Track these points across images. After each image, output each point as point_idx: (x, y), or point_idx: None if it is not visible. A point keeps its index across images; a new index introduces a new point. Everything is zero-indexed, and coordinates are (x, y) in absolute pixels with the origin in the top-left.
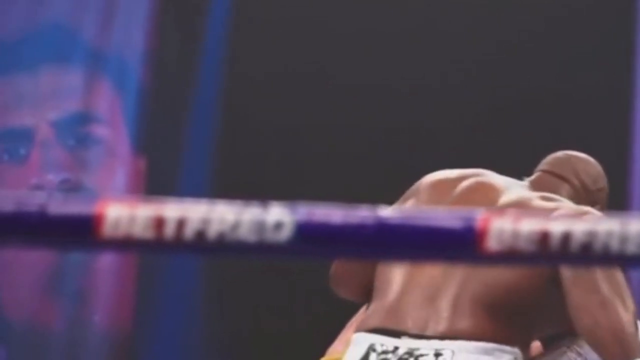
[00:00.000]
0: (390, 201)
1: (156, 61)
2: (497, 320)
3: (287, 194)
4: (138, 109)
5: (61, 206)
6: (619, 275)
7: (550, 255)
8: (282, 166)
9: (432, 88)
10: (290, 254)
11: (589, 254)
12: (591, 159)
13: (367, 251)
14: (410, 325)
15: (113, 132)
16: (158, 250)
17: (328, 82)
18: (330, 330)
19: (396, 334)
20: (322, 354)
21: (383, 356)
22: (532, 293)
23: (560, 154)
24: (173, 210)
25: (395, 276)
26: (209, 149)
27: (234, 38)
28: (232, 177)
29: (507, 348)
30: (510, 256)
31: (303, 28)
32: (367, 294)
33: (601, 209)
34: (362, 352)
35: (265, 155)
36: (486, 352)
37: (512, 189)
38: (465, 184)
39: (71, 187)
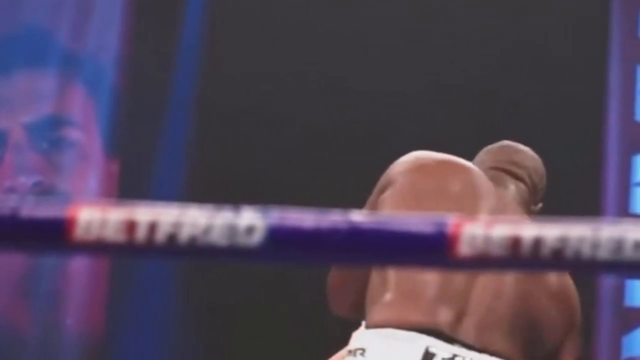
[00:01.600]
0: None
1: (130, 65)
2: (522, 350)
3: (261, 198)
4: (112, 112)
5: (33, 209)
6: None
7: (521, 260)
8: (257, 170)
9: (412, 90)
10: (261, 258)
11: (560, 260)
12: (537, 156)
13: (339, 256)
14: (459, 331)
15: (86, 136)
16: (130, 253)
17: (305, 85)
18: (305, 334)
19: (449, 339)
20: (301, 357)
21: None
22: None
23: (511, 149)
24: (145, 213)
25: (434, 273)
26: (183, 152)
27: (209, 41)
28: (206, 181)
29: None
30: (481, 261)
31: (280, 30)
32: (362, 308)
33: (540, 208)
34: (418, 353)
35: (239, 159)
36: None
37: (490, 193)
38: (448, 177)
39: (44, 190)
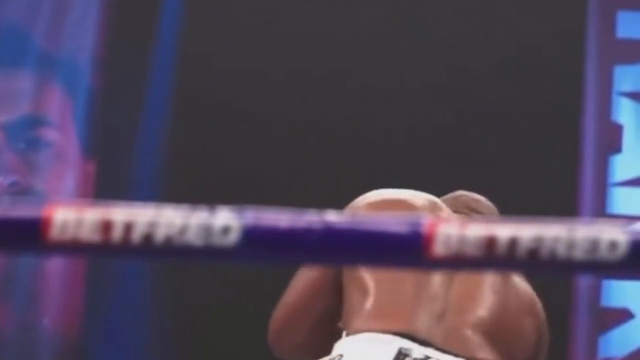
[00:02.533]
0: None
1: (107, 65)
2: (497, 355)
3: (238, 198)
4: (88, 113)
5: (8, 210)
6: None
7: (496, 260)
8: (234, 170)
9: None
10: (237, 259)
11: (535, 260)
12: (492, 205)
13: (315, 256)
14: (434, 335)
15: (63, 136)
16: (105, 253)
17: (284, 84)
18: None
19: (422, 342)
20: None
21: None
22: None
23: (468, 198)
24: (120, 213)
25: (410, 278)
26: (160, 153)
27: (185, 42)
28: (183, 182)
29: None
30: (456, 262)
31: (258, 29)
32: (307, 348)
33: None
34: (392, 353)
35: (216, 159)
36: None
37: None
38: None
39: (20, 191)
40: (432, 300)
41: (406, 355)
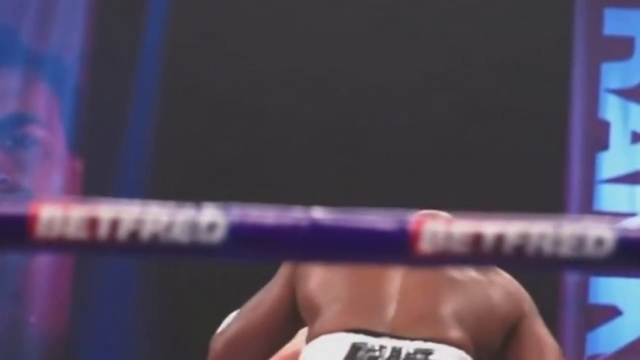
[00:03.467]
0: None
1: (94, 63)
2: (466, 334)
3: (227, 196)
4: (76, 111)
5: None
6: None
7: (482, 257)
8: (221, 168)
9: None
10: (223, 255)
11: (521, 257)
12: None
13: (301, 253)
14: (385, 326)
15: (50, 134)
16: (92, 250)
17: (272, 81)
18: None
19: (376, 334)
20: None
21: (371, 354)
22: (495, 332)
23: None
24: (107, 211)
25: (343, 283)
26: (147, 151)
27: (173, 39)
28: (170, 180)
29: None
30: (443, 258)
31: (245, 24)
32: None
33: None
34: (344, 350)
35: (203, 157)
36: None
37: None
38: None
39: (8, 188)
40: (386, 295)
41: (359, 348)
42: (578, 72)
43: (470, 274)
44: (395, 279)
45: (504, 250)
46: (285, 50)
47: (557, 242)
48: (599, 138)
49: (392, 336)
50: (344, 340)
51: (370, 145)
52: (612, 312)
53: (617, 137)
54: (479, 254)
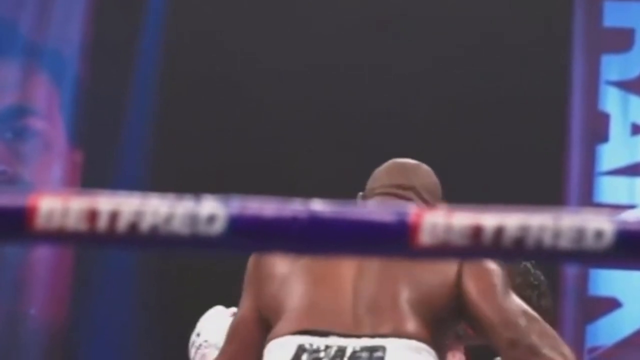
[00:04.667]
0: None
1: (93, 55)
2: (420, 320)
3: (226, 188)
4: (75, 102)
5: None
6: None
7: (482, 249)
8: (219, 161)
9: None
10: (223, 247)
11: (521, 249)
12: (426, 168)
13: (300, 245)
14: (334, 325)
15: (50, 125)
16: (91, 242)
17: (273, 70)
18: None
19: (323, 334)
20: None
21: (315, 355)
22: (449, 300)
23: (395, 170)
24: (106, 202)
25: (298, 286)
26: (146, 142)
27: (171, 31)
28: (169, 171)
29: (432, 350)
30: (442, 250)
31: (244, 18)
32: None
33: None
34: (291, 353)
35: (202, 149)
36: (416, 350)
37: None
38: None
39: (8, 180)
40: (339, 293)
41: (304, 349)
42: (578, 64)
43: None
44: (350, 275)
45: (504, 242)
46: (284, 43)
47: (556, 234)
48: (598, 130)
49: (339, 335)
50: (291, 343)
51: (368, 138)
52: (611, 304)
53: (617, 129)
54: (479, 246)
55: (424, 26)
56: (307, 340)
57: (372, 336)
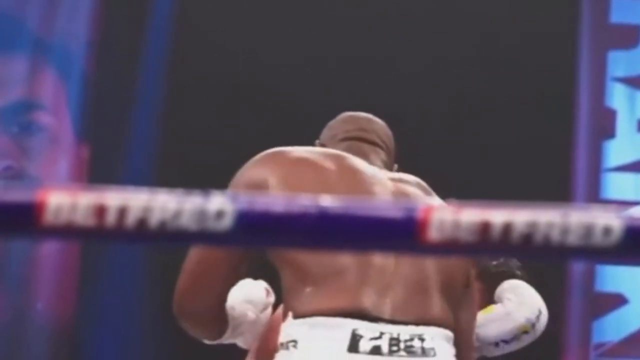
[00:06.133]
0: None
1: (100, 50)
2: (447, 307)
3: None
4: (82, 97)
5: (2, 194)
6: None
7: (491, 245)
8: (226, 156)
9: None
10: (231, 243)
11: (529, 245)
12: (379, 119)
13: (308, 240)
14: (382, 307)
15: (57, 120)
16: (99, 238)
17: (279, 65)
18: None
19: (373, 318)
20: None
21: (373, 343)
22: (463, 287)
23: (355, 117)
24: (114, 198)
25: (345, 259)
26: (153, 137)
27: (179, 25)
28: (176, 166)
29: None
30: (451, 247)
31: (251, 12)
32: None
33: (396, 170)
34: (346, 338)
35: (209, 144)
36: (449, 340)
37: (375, 174)
38: (333, 167)
39: (14, 175)
40: (374, 273)
41: (361, 336)
42: (584, 60)
43: None
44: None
45: (512, 238)
46: (292, 36)
47: (565, 230)
48: (605, 126)
49: (387, 321)
50: (344, 327)
51: None
52: (618, 301)
53: (624, 125)
54: (487, 242)
55: (429, 23)
56: (359, 325)
57: (418, 323)
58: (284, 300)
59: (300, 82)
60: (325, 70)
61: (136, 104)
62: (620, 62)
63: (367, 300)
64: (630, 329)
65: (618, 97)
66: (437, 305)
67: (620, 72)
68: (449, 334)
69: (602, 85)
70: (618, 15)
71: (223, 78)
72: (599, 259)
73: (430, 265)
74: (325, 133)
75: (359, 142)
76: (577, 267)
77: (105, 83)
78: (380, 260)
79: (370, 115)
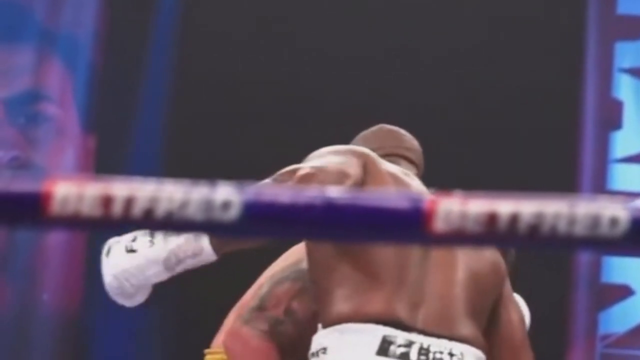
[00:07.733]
0: None
1: (107, 40)
2: (480, 327)
3: (237, 174)
4: (88, 87)
5: (9, 184)
6: None
7: (497, 236)
8: (233, 147)
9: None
10: (237, 233)
11: (536, 236)
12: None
13: (315, 231)
14: (415, 319)
15: (63, 111)
16: (106, 228)
17: (284, 59)
18: None
19: (405, 327)
20: None
21: (402, 350)
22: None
23: (398, 133)
24: (121, 188)
25: (389, 266)
26: (160, 127)
27: (186, 16)
28: (183, 157)
29: None
30: (457, 237)
31: (258, 7)
32: None
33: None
34: (376, 343)
35: (216, 134)
36: (479, 359)
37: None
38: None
39: (21, 165)
40: (409, 283)
41: (391, 342)
42: (591, 51)
43: (481, 255)
44: (420, 267)
45: (519, 229)
46: (297, 31)
47: (571, 221)
48: (612, 117)
49: (419, 332)
50: (374, 332)
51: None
52: (624, 292)
53: (631, 116)
54: (494, 233)
55: (440, 14)
56: (390, 332)
57: (450, 339)
58: (318, 307)
59: (307, 79)
60: (332, 68)
61: (143, 94)
62: (627, 53)
63: (401, 311)
64: (637, 320)
65: (625, 88)
66: (467, 324)
67: (627, 63)
68: (479, 353)
69: (609, 76)
70: (625, 6)
71: (230, 70)
72: (606, 250)
73: (463, 283)
74: (361, 144)
75: (402, 159)
76: (583, 259)
77: (112, 74)
78: (415, 276)
79: (404, 131)
